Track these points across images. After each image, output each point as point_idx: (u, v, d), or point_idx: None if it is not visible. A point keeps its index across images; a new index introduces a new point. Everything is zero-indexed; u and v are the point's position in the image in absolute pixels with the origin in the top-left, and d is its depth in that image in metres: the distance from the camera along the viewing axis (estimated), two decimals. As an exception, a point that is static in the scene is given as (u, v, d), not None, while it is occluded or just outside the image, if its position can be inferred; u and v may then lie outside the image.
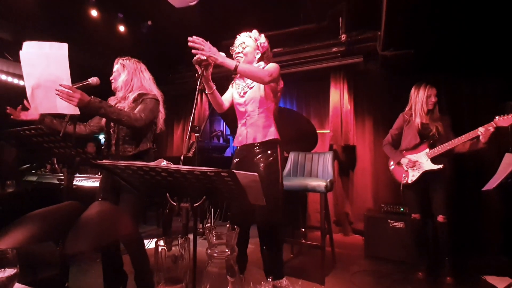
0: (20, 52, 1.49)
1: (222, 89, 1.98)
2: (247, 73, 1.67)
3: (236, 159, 1.94)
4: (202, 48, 1.50)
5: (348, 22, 3.54)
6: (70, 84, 1.48)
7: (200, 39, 1.52)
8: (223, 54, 1.58)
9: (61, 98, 1.47)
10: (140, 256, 1.79)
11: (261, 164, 1.79)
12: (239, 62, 1.67)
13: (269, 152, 1.81)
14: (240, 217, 1.87)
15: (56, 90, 1.45)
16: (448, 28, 2.77)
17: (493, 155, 2.95)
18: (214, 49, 1.53)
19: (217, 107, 1.89)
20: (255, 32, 1.90)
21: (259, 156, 1.81)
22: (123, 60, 1.95)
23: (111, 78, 1.95)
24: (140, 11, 3.75)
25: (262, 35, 1.91)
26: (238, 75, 1.93)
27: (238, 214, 1.90)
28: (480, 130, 2.16)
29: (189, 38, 1.50)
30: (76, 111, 1.57)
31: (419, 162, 2.43)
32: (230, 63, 1.60)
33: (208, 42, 1.53)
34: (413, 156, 2.46)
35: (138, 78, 1.93)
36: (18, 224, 0.85)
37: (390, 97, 3.76)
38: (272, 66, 1.77)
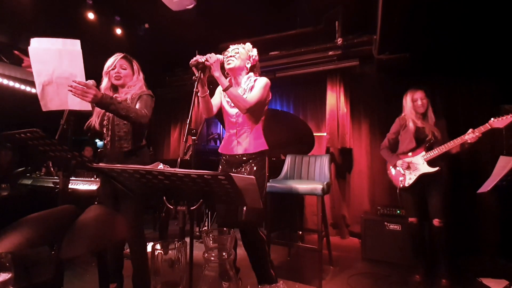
0: (29, 48, 1.48)
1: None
2: (232, 98, 1.72)
3: (222, 167, 1.95)
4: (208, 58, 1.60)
5: (344, 26, 3.57)
6: (85, 81, 1.48)
7: (210, 54, 1.63)
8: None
9: (74, 95, 1.46)
10: (142, 257, 1.82)
11: (252, 170, 1.81)
12: (231, 83, 1.79)
13: (257, 159, 1.84)
14: (226, 218, 1.87)
15: (70, 86, 1.45)
16: (443, 32, 2.80)
17: (488, 158, 2.99)
18: (217, 62, 1.63)
19: (206, 112, 1.87)
20: (248, 45, 1.93)
21: (246, 163, 1.83)
22: (131, 58, 1.97)
23: (115, 72, 1.88)
24: (137, 14, 3.75)
25: (254, 49, 1.93)
26: (233, 81, 1.93)
27: (224, 215, 1.90)
28: (472, 133, 2.19)
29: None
30: (88, 107, 1.57)
31: (415, 164, 2.44)
32: (224, 81, 1.70)
33: (214, 54, 1.64)
34: (408, 159, 2.48)
35: (140, 77, 1.97)
36: (13, 228, 0.84)
37: (386, 100, 3.78)
38: (257, 92, 1.77)
